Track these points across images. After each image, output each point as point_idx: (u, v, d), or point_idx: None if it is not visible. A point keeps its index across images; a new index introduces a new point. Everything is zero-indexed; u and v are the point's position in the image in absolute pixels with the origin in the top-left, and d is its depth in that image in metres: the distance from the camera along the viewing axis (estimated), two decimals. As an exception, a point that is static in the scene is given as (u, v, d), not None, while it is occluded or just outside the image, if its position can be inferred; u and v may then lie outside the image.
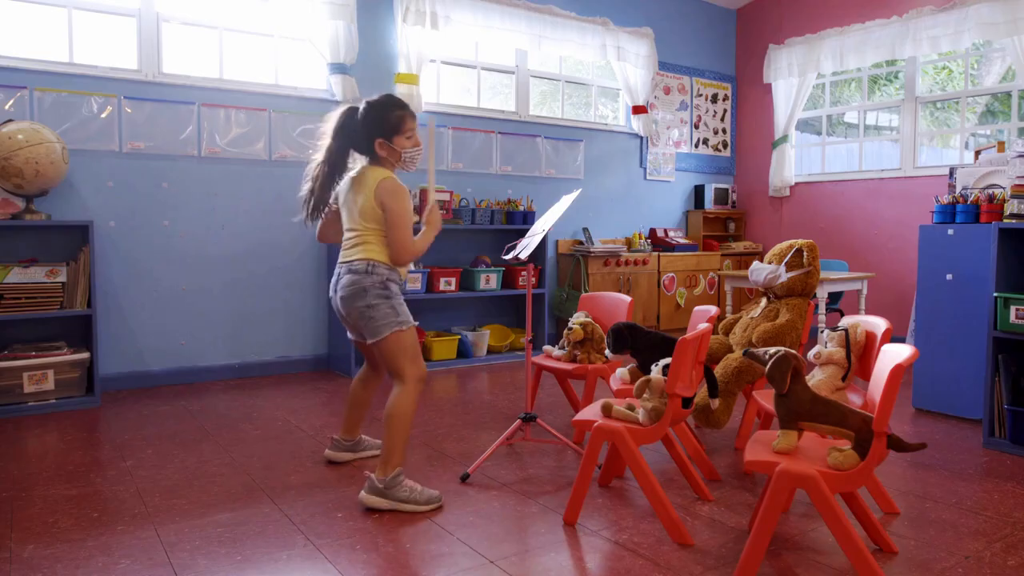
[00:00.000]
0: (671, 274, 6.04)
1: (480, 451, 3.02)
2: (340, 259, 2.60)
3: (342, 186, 2.65)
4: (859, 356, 2.47)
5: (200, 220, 4.38)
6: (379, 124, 2.54)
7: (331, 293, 2.65)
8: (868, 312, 5.54)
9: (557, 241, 5.87)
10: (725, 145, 7.03)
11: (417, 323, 2.60)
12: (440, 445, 3.15)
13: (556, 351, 3.34)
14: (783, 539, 2.22)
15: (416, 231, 2.56)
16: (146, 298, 4.23)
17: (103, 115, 4.06)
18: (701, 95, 6.79)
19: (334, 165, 2.58)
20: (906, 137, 5.76)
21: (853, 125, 6.47)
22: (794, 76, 6.35)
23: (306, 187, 2.62)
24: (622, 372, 2.91)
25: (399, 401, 2.47)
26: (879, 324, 2.40)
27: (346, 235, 2.61)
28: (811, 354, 2.51)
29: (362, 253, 2.52)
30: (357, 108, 2.60)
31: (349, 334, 2.78)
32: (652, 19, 6.31)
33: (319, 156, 2.60)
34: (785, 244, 3.14)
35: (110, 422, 3.48)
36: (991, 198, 3.53)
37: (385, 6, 4.97)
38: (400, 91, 4.92)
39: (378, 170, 2.55)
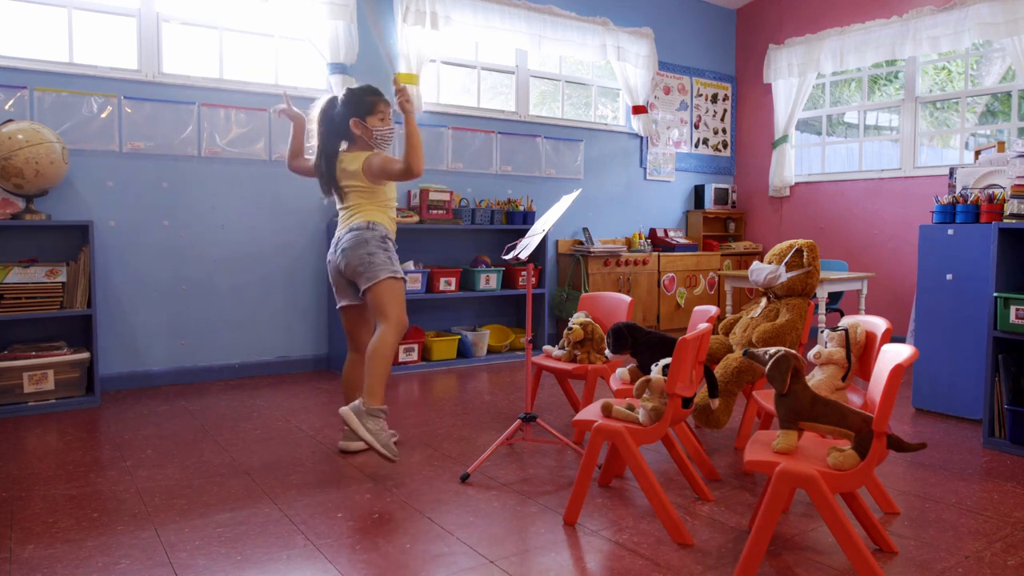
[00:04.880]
0: (671, 274, 6.04)
1: (480, 451, 3.02)
2: (339, 230, 2.93)
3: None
4: (859, 356, 2.47)
5: (200, 220, 4.38)
6: (354, 106, 2.87)
7: (330, 256, 2.95)
8: (868, 312, 5.54)
9: (557, 241, 5.87)
10: (725, 145, 7.03)
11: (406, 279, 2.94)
12: (440, 445, 3.15)
13: (556, 351, 3.34)
14: (783, 539, 2.22)
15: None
16: (146, 298, 4.23)
17: (103, 115, 4.06)
18: (701, 95, 6.79)
19: (327, 151, 2.92)
20: (906, 137, 5.76)
21: (853, 125, 6.48)
22: (794, 76, 6.35)
23: (317, 173, 2.97)
24: (622, 372, 2.91)
25: (381, 340, 2.74)
26: (879, 324, 2.40)
27: (341, 213, 2.96)
28: (811, 354, 2.51)
29: (361, 218, 2.87)
30: (337, 96, 2.93)
31: (339, 301, 2.99)
32: (652, 19, 6.31)
33: (315, 144, 2.95)
34: (785, 244, 3.14)
35: (110, 422, 3.48)
36: (991, 198, 3.53)
37: (385, 6, 4.97)
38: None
39: (359, 154, 2.88)
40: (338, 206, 3.00)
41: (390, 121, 2.94)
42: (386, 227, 2.91)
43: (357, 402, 2.68)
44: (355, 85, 2.97)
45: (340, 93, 2.94)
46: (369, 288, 2.80)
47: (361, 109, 2.87)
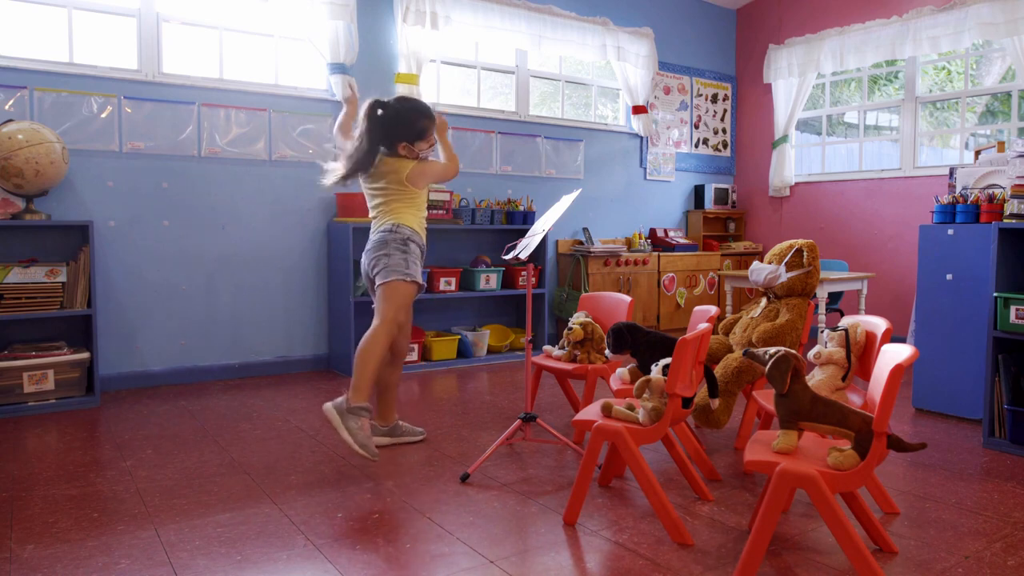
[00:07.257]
0: (671, 274, 6.04)
1: (480, 451, 3.02)
2: (371, 232, 3.01)
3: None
4: (859, 356, 2.47)
5: (200, 220, 4.38)
6: (406, 130, 2.92)
7: (362, 259, 3.03)
8: (868, 312, 5.54)
9: (557, 241, 5.87)
10: (725, 145, 7.03)
11: (422, 284, 2.98)
12: (440, 445, 3.15)
13: (556, 351, 3.34)
14: (783, 539, 2.22)
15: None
16: (146, 298, 4.23)
17: (103, 115, 4.06)
18: (701, 95, 6.79)
19: (371, 151, 2.92)
20: (906, 137, 5.76)
21: (853, 125, 6.47)
22: (794, 76, 6.35)
23: (341, 169, 2.97)
24: (622, 372, 2.91)
25: (370, 337, 2.78)
26: (879, 324, 2.40)
27: (372, 213, 3.02)
28: (811, 354, 2.51)
29: (388, 220, 2.93)
30: (379, 108, 2.89)
31: (374, 302, 2.99)
32: (652, 19, 6.31)
33: (357, 136, 2.93)
34: (785, 244, 3.14)
35: (110, 422, 3.48)
36: (991, 198, 3.53)
37: (385, 6, 4.97)
38: (400, 91, 4.92)
39: (403, 161, 2.94)
40: (369, 205, 3.04)
41: (433, 139, 3.02)
42: (412, 228, 2.96)
43: (340, 399, 2.71)
44: (404, 100, 3.02)
45: (384, 101, 2.94)
46: (379, 286, 2.87)
47: (412, 134, 2.94)
